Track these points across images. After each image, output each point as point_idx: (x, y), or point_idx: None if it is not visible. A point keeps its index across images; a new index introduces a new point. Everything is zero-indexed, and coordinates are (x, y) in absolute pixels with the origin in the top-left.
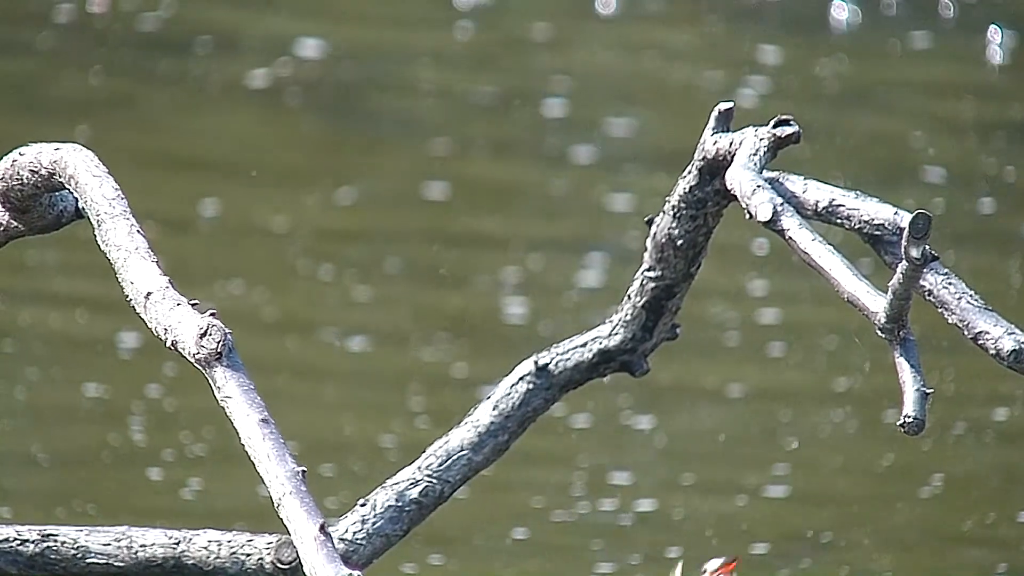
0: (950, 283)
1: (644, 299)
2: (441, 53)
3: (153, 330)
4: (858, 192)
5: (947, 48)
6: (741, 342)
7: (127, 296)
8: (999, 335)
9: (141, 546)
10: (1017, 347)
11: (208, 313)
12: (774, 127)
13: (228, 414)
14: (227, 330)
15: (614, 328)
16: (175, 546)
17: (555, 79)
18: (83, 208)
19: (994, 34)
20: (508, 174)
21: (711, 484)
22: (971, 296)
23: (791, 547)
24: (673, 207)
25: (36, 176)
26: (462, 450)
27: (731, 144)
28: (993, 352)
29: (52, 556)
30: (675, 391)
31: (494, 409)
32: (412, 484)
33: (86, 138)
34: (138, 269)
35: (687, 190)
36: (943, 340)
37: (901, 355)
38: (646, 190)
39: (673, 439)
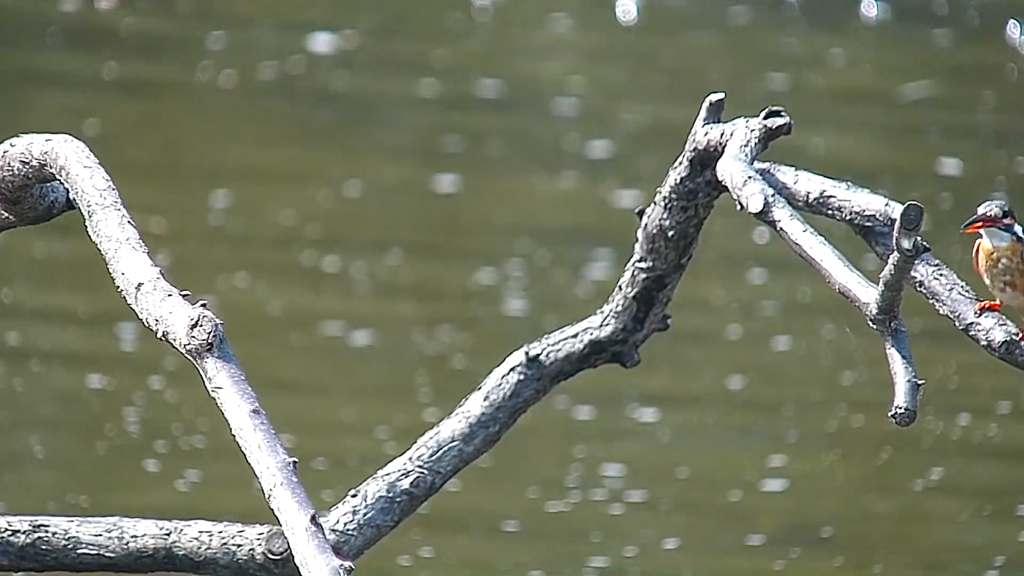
0: (941, 274)
1: (635, 290)
2: (455, 48)
3: (144, 321)
4: (849, 183)
5: (970, 43)
6: (743, 335)
7: (118, 287)
8: (990, 326)
9: (132, 537)
10: (1008, 338)
11: (199, 304)
12: (765, 118)
13: (219, 405)
14: (218, 321)
15: (605, 319)
16: (166, 537)
17: (569, 76)
18: (74, 199)
19: (1013, 29)
20: (517, 169)
21: (709, 476)
22: (962, 287)
23: (787, 539)
24: (664, 198)
25: (27, 167)
26: (453, 441)
27: (722, 135)
28: (984, 343)
29: (43, 547)
30: (676, 384)
31: (485, 400)
32: (403, 475)
33: (96, 132)
34: (129, 260)
35: (678, 181)
36: (945, 333)
37: (892, 346)
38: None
39: (674, 431)
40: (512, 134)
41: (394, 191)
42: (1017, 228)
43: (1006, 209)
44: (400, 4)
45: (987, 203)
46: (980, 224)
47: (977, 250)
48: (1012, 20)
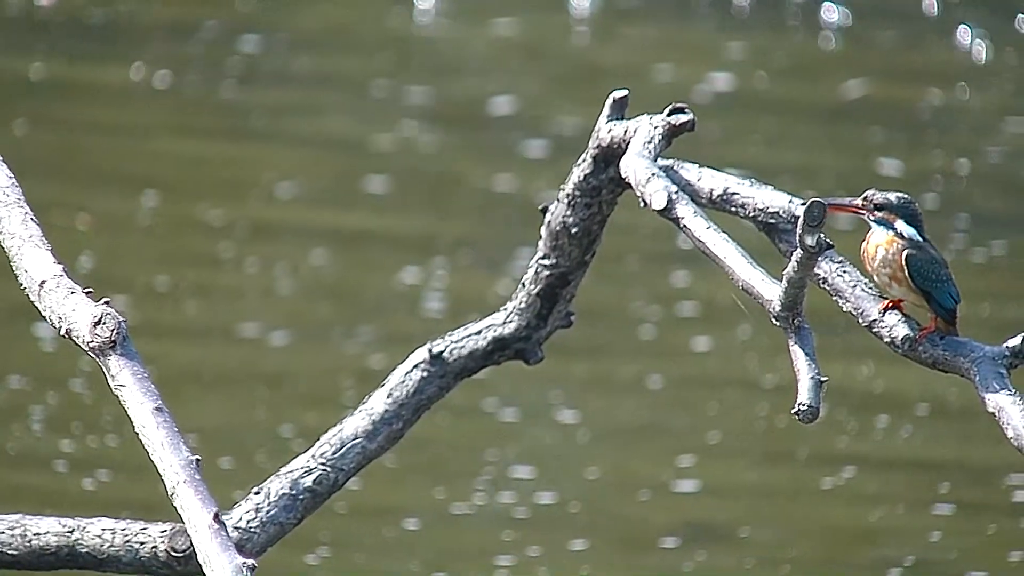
0: (845, 271)
1: (538, 287)
2: (395, 47)
3: (47, 318)
4: (753, 180)
5: (919, 45)
6: (661, 335)
7: (21, 284)
8: (893, 323)
9: (35, 534)
10: (911, 334)
11: (103, 301)
12: (668, 115)
13: (122, 403)
14: (121, 318)
15: (509, 316)
16: (69, 534)
17: (510, 75)
18: None
19: (964, 33)
20: (451, 170)
21: (623, 477)
22: (865, 284)
23: (699, 539)
24: (568, 195)
25: None
26: (356, 438)
27: (626, 132)
28: (888, 340)
29: None
30: (598, 384)
31: (388, 397)
32: (306, 472)
33: (23, 132)
34: (32, 257)
35: (582, 178)
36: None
37: (796, 343)
38: None
39: (593, 432)
40: (447, 134)
41: (324, 191)
42: (900, 224)
43: (879, 201)
44: (340, 4)
45: (872, 191)
46: (836, 208)
47: (864, 244)
48: (962, 24)
